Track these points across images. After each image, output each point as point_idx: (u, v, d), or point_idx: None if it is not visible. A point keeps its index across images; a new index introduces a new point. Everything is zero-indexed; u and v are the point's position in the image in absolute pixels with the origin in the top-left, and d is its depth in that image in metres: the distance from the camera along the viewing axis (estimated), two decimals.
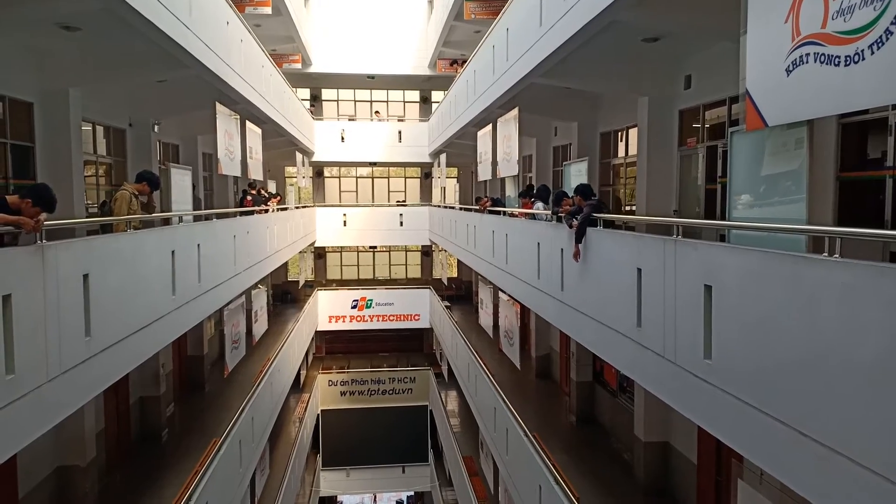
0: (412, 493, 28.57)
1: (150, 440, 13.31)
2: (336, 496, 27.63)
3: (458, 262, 30.05)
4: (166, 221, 9.76)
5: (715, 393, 5.18)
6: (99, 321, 6.16)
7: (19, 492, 8.83)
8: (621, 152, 13.41)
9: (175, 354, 15.41)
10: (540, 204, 11.54)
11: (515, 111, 13.36)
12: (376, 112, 30.45)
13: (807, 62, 4.36)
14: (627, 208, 13.07)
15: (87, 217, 10.30)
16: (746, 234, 5.54)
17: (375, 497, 29.55)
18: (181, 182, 11.29)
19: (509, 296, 15.03)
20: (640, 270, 6.68)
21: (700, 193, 10.10)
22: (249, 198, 15.00)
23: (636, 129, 11.73)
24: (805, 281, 4.16)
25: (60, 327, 5.44)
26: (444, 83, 26.47)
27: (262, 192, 18.30)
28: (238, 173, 14.55)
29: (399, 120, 30.42)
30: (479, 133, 17.36)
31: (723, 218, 7.81)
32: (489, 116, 15.67)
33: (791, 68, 4.51)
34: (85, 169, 10.95)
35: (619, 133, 13.44)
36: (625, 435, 12.75)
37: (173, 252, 8.57)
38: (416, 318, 28.29)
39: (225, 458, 11.10)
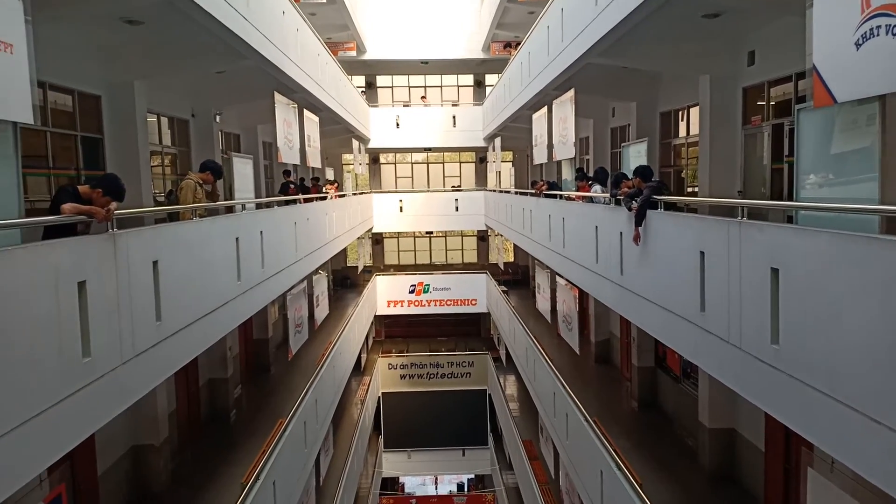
0: (472, 475, 28.81)
1: (218, 421, 13.79)
2: (398, 477, 28.09)
3: (515, 246, 29.93)
4: (230, 209, 10.02)
5: (783, 379, 5.02)
6: (168, 306, 6.39)
7: (98, 468, 9.29)
8: (682, 132, 13.06)
9: (241, 338, 15.89)
10: (598, 187, 11.36)
11: (571, 92, 13.14)
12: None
13: (878, 35, 4.14)
14: (689, 190, 12.74)
15: (154, 206, 10.67)
16: (815, 215, 5.33)
17: (437, 479, 29.91)
18: (243, 170, 11.56)
19: (567, 280, 14.89)
20: (703, 254, 6.52)
21: (766, 173, 9.76)
22: (293, 186, 15.19)
23: (697, 107, 11.39)
24: (879, 263, 3.97)
25: (132, 312, 5.67)
26: (498, 66, 26.27)
27: (309, 180, 18.53)
28: (297, 161, 14.81)
29: (453, 105, 30.38)
30: (535, 116, 17.17)
31: (790, 199, 7.53)
32: (544, 98, 15.47)
33: (861, 42, 4.29)
34: (151, 159, 11.33)
35: (680, 112, 13.08)
36: (689, 421, 12.51)
37: (237, 239, 8.81)
38: (473, 302, 28.36)
39: (291, 438, 11.41)
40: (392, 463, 26.30)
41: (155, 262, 6.21)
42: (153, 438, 10.35)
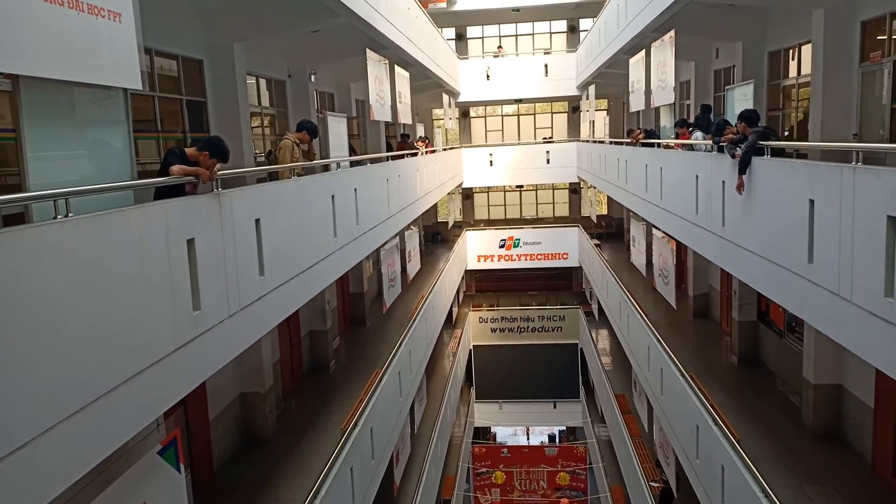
0: (564, 427, 28.96)
1: (319, 370, 14.43)
2: (489, 427, 28.62)
3: (608, 198, 29.22)
4: (326, 168, 10.27)
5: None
6: (271, 262, 6.67)
7: (210, 414, 9.96)
8: (793, 72, 12.21)
9: (339, 292, 16.44)
10: (699, 133, 10.86)
11: (671, 34, 12.49)
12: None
13: None
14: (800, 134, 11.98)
15: (255, 166, 11.07)
16: None
17: (528, 430, 30.27)
18: (337, 128, 11.77)
19: (664, 232, 14.45)
20: (812, 202, 6.16)
21: (885, 114, 9.02)
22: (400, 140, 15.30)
23: (810, 45, 10.60)
24: None
25: (238, 268, 5.96)
26: (592, 10, 25.27)
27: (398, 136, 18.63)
28: (389, 118, 14.92)
29: (545, 52, 29.58)
30: (631, 60, 16.49)
31: None
32: (642, 42, 14.81)
33: None
34: (251, 120, 11.72)
35: (791, 51, 12.21)
36: (792, 377, 12.03)
37: (333, 196, 9.03)
38: (565, 256, 28.04)
39: (386, 387, 11.81)
40: (484, 413, 26.78)
41: (257, 220, 6.46)
42: (259, 386, 10.95)
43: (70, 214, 3.83)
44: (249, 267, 6.28)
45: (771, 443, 10.35)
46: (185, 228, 5.10)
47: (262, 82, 13.12)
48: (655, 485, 14.22)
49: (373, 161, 12.47)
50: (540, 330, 26.65)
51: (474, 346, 26.57)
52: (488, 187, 31.16)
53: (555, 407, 26.58)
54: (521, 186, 31.36)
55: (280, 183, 7.97)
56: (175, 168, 5.44)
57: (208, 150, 5.64)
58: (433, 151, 20.97)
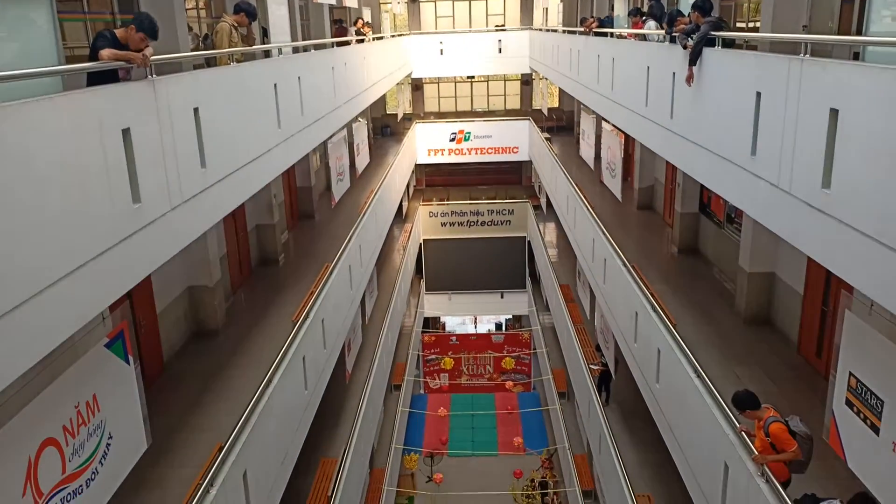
0: (510, 316, 30.00)
1: (268, 264, 14.38)
2: (439, 317, 29.42)
3: (560, 91, 28.92)
4: (267, 54, 9.79)
5: (830, 223, 4.94)
6: (212, 154, 6.46)
7: (157, 307, 9.90)
8: None
9: (285, 186, 16.14)
10: (652, 23, 10.68)
11: None
12: None
13: None
14: (751, 25, 11.90)
15: (191, 51, 10.47)
16: (887, 53, 4.94)
17: (476, 319, 31.25)
18: (277, 11, 11.14)
19: (613, 125, 14.49)
20: (759, 94, 6.22)
21: (834, 7, 8.99)
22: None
23: None
24: None
25: (178, 159, 5.75)
26: None
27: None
28: (333, 0, 14.18)
29: None
30: None
31: (859, 34, 6.98)
32: None
33: None
34: (185, 1, 10.95)
35: None
36: (729, 266, 12.58)
37: (276, 85, 8.68)
38: (515, 150, 27.98)
39: (337, 281, 11.90)
40: (433, 304, 27.42)
41: (196, 110, 6.20)
42: (206, 280, 10.88)
43: None
44: (190, 159, 6.08)
45: (705, 327, 10.94)
46: (119, 117, 4.86)
47: None
48: (595, 367, 15.00)
49: (317, 47, 11.94)
50: (489, 223, 26.94)
51: (424, 239, 26.80)
52: (439, 78, 30.38)
53: (502, 297, 27.36)
54: (473, 77, 30.68)
55: (218, 70, 7.59)
56: (105, 52, 5.10)
57: (136, 25, 5.28)
58: (380, 38, 20.16)
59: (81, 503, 5.02)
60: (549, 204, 23.99)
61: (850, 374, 5.77)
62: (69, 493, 4.88)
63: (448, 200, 28.10)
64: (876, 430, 5.42)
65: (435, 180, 30.66)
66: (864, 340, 5.56)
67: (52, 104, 4.14)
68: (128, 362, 5.68)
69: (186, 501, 6.04)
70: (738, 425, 6.82)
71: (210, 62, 8.55)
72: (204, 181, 6.31)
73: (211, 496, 6.21)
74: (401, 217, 25.78)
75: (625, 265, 11.80)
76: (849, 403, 5.80)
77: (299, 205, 17.63)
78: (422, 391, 23.97)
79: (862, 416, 5.61)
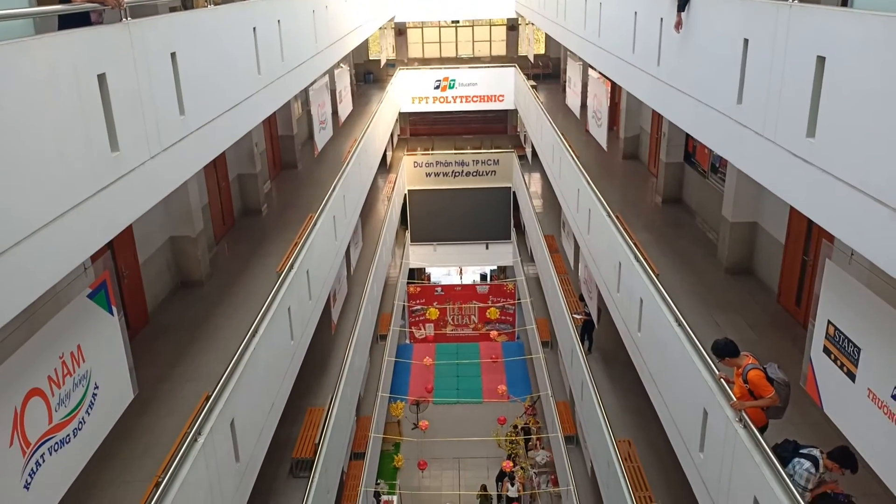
0: (495, 267, 30.14)
1: (251, 215, 14.26)
2: (424, 268, 29.51)
3: (546, 37, 28.48)
4: None
5: (814, 173, 4.96)
6: (191, 100, 6.31)
7: (139, 258, 9.82)
8: None
9: (267, 135, 15.89)
10: None
11: None
12: None
13: None
14: None
15: None
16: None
17: (461, 270, 31.39)
18: None
19: (600, 73, 14.32)
20: (746, 41, 6.15)
21: None
22: None
23: None
24: None
25: (156, 106, 5.62)
26: None
27: None
28: None
29: None
30: None
31: None
32: None
33: None
34: None
35: None
36: (712, 216, 12.65)
37: (255, 29, 8.45)
38: (500, 98, 27.65)
39: (321, 231, 11.83)
40: (418, 255, 27.46)
41: (173, 54, 6.03)
42: (189, 230, 10.77)
43: None
44: (168, 105, 5.94)
45: (687, 276, 11.07)
46: (94, 63, 4.72)
47: None
48: (578, 317, 15.18)
49: None
50: (474, 174, 26.80)
51: (409, 190, 26.64)
52: (423, 22, 29.74)
53: (487, 248, 27.43)
54: (457, 22, 30.07)
55: (195, 13, 7.35)
56: None
57: None
58: None
59: (69, 452, 5.06)
60: (534, 154, 23.88)
61: (829, 322, 5.87)
62: (57, 443, 4.91)
63: (433, 150, 27.86)
64: (852, 376, 5.55)
65: (419, 129, 30.33)
66: (843, 289, 5.64)
67: (23, 48, 4.00)
68: (111, 313, 5.65)
69: (174, 450, 6.11)
70: (717, 373, 6.96)
71: (187, 4, 8.28)
72: (183, 129, 6.18)
73: (199, 444, 6.28)
74: (385, 167, 25.57)
75: (609, 215, 11.82)
76: (826, 351, 5.92)
77: (282, 154, 17.41)
78: (407, 341, 24.20)
79: (839, 363, 5.74)
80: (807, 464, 5.65)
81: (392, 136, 26.55)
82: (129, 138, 5.11)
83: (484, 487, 17.13)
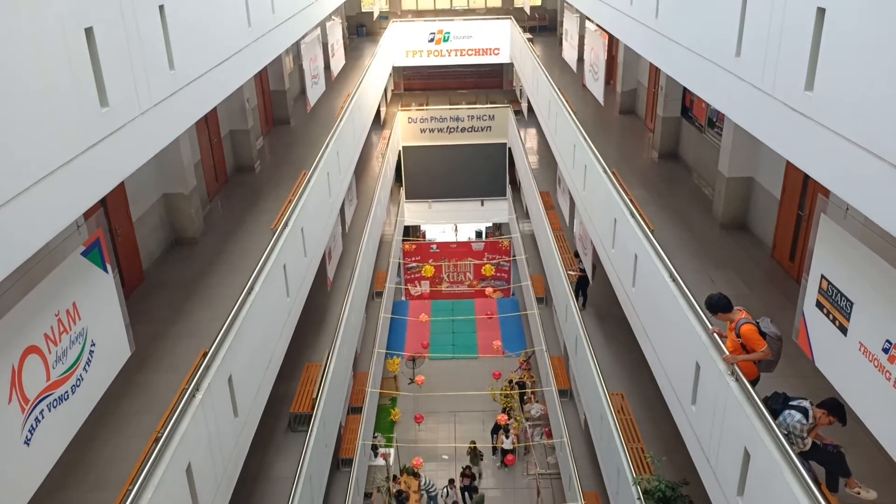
0: (490, 224, 30.11)
1: (244, 171, 14.14)
2: (419, 225, 29.47)
3: None
4: None
5: (812, 127, 4.92)
6: (181, 54, 6.20)
7: (132, 215, 9.76)
8: None
9: (258, 90, 15.66)
10: None
11: None
12: None
13: None
14: None
15: None
16: None
17: (456, 227, 31.34)
18: None
19: (597, 25, 14.08)
20: None
21: None
22: None
23: None
24: None
25: (145, 61, 5.51)
26: None
27: None
28: None
29: None
30: None
31: None
32: None
33: None
34: None
35: None
36: (708, 171, 12.60)
37: None
38: (496, 52, 27.21)
39: (315, 188, 11.76)
40: (413, 212, 27.38)
41: (161, 7, 5.90)
42: (182, 187, 10.69)
43: None
44: (158, 60, 5.83)
45: (682, 232, 11.08)
46: (81, 16, 4.61)
47: None
48: (573, 273, 15.24)
49: None
50: (469, 130, 26.55)
51: (404, 146, 26.42)
52: None
53: (482, 205, 27.35)
54: None
55: None
56: None
57: None
58: None
59: (68, 408, 5.11)
60: (530, 109, 23.61)
61: (823, 276, 5.90)
62: (55, 400, 4.95)
63: (427, 106, 27.54)
64: (844, 330, 5.61)
65: (413, 84, 29.92)
66: (837, 244, 5.65)
67: (5, 1, 3.89)
68: (106, 270, 5.64)
69: (173, 405, 6.18)
70: (710, 327, 7.02)
71: None
72: (173, 84, 6.08)
73: (197, 400, 6.35)
74: (379, 123, 25.30)
75: (605, 171, 11.77)
76: (819, 305, 5.97)
77: (274, 109, 17.18)
78: (403, 298, 24.31)
79: (831, 317, 5.79)
80: (797, 415, 5.75)
81: (385, 91, 26.21)
82: (119, 94, 5.03)
83: (473, 443, 17.55)
